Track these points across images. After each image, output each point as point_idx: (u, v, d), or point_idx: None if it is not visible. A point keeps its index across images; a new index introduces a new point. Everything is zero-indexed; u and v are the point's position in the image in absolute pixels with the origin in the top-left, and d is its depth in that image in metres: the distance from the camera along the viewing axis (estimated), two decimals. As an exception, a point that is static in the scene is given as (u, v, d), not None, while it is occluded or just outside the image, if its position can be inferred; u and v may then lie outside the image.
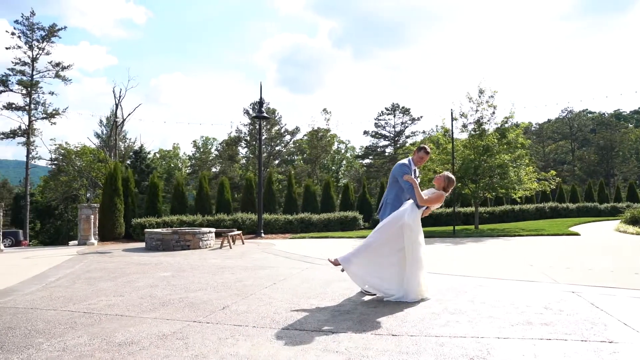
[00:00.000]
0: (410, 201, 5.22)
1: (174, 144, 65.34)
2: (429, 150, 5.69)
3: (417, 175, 5.65)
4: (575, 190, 32.57)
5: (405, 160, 5.53)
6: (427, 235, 15.06)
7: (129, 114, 40.78)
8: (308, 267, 8.18)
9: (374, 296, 5.29)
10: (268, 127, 50.71)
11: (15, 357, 3.35)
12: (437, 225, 20.82)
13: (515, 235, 14.34)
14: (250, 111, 48.34)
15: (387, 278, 5.12)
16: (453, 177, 5.36)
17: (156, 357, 3.27)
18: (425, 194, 5.22)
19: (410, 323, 4.14)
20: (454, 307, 4.74)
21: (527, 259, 8.80)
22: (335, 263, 5.18)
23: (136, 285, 6.39)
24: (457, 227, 17.86)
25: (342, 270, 5.22)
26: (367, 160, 55.92)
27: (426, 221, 20.58)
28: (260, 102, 17.42)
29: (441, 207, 21.28)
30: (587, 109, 69.46)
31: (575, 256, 9.13)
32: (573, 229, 16.25)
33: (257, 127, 48.32)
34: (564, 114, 63.94)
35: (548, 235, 14.08)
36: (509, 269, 7.61)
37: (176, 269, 8.14)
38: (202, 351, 3.40)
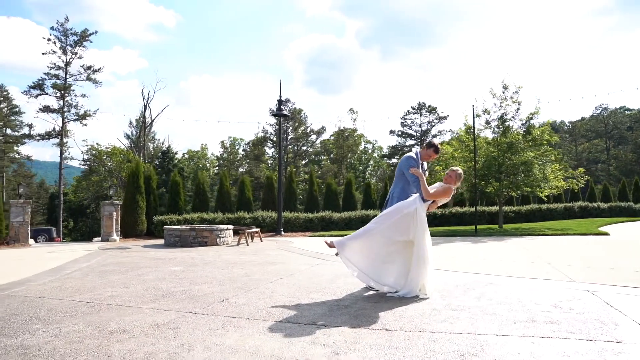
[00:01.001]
0: (417, 194, 5.08)
1: (202, 144, 66.49)
2: (439, 149, 5.53)
3: (425, 169, 5.52)
4: (608, 189, 31.18)
5: (412, 154, 5.41)
6: (449, 234, 14.89)
7: (157, 115, 41.74)
8: (319, 263, 8.12)
9: (377, 292, 5.18)
10: (295, 125, 51.00)
11: (10, 341, 3.42)
12: (460, 224, 20.40)
13: (539, 235, 13.86)
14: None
15: (386, 270, 4.99)
16: (461, 171, 5.20)
17: (142, 345, 3.28)
18: (432, 187, 5.09)
19: (408, 318, 4.02)
20: (457, 303, 4.58)
21: (547, 257, 8.46)
22: (331, 245, 5.09)
23: (145, 278, 6.48)
24: (480, 227, 17.44)
25: (336, 254, 5.13)
26: (393, 160, 55.36)
27: (450, 220, 20.45)
28: (280, 100, 17.48)
29: (465, 205, 20.77)
30: (624, 106, 66.71)
31: (600, 255, 8.73)
32: (603, 228, 15.57)
33: (282, 125, 48.99)
34: (598, 111, 61.57)
35: (574, 234, 13.53)
36: (524, 267, 7.33)
37: (188, 263, 8.23)
38: (188, 340, 3.38)
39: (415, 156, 5.36)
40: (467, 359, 2.99)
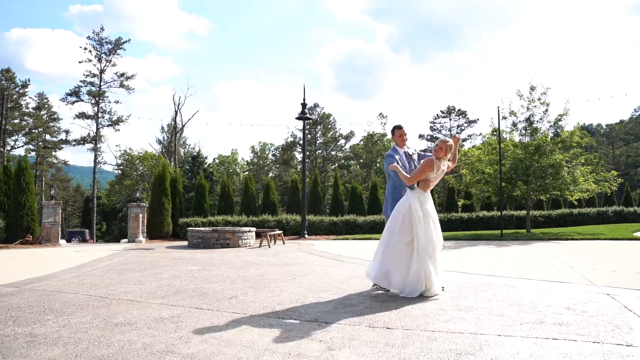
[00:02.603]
0: (406, 189, 5.08)
1: (232, 149, 67.46)
2: (401, 125, 5.55)
3: (411, 153, 5.54)
4: (646, 194, 29.80)
5: (389, 151, 5.52)
6: (474, 238, 14.57)
7: (188, 120, 42.67)
8: (336, 265, 8.10)
9: (388, 291, 5.13)
10: (324, 130, 51.16)
11: (20, 329, 3.58)
12: (487, 229, 19.97)
13: (567, 239, 13.36)
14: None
15: (394, 270, 4.94)
16: (446, 138, 5.06)
17: (143, 336, 3.36)
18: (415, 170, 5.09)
19: (412, 318, 3.96)
20: (466, 304, 4.48)
21: (570, 261, 8.16)
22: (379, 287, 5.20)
23: (161, 276, 6.63)
24: (508, 231, 17.02)
25: (387, 290, 5.11)
26: (422, 164, 54.54)
27: (477, 224, 20.00)
28: (304, 104, 17.61)
29: (492, 210, 20.24)
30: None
31: (629, 260, 8.35)
32: (638, 234, 14.88)
33: (312, 131, 49.48)
34: (638, 113, 59.05)
35: (606, 239, 12.97)
36: (544, 270, 7.09)
37: (206, 263, 8.36)
38: (188, 333, 3.44)
39: (391, 152, 5.48)
40: (463, 358, 2.92)
